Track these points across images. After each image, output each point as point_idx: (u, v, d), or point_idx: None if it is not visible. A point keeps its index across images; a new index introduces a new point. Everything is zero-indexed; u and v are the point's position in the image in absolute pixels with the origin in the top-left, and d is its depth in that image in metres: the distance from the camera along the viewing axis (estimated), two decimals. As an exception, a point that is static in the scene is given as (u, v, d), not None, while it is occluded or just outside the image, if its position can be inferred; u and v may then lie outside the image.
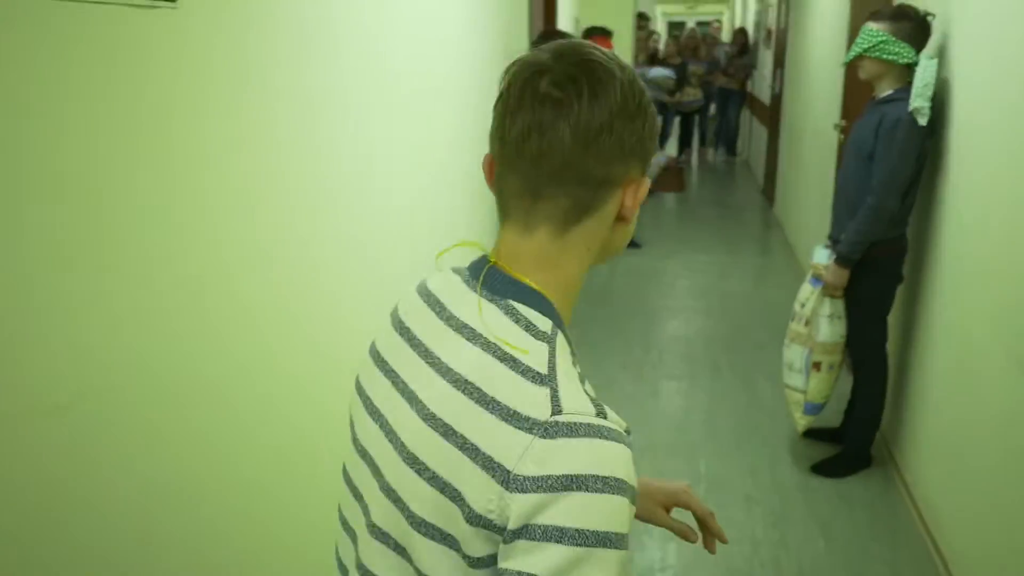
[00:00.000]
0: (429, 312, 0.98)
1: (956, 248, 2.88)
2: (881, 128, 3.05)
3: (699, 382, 4.36)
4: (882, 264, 3.19)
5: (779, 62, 8.45)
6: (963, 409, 2.74)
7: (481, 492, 0.82)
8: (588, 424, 0.83)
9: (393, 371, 0.97)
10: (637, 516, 1.20)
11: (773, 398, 4.10)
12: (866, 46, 3.09)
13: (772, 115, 8.71)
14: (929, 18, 3.07)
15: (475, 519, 0.83)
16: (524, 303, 0.91)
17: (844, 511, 3.19)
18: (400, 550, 0.91)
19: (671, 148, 11.57)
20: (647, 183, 0.95)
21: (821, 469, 3.46)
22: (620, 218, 0.94)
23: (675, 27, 22.31)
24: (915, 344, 3.27)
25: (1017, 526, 2.30)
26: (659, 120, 8.15)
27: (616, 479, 0.81)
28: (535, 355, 0.87)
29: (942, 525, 2.88)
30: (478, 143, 3.69)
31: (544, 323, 0.90)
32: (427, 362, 0.93)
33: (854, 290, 3.27)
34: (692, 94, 10.74)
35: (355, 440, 1.01)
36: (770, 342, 4.72)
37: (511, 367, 0.87)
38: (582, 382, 0.89)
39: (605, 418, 0.85)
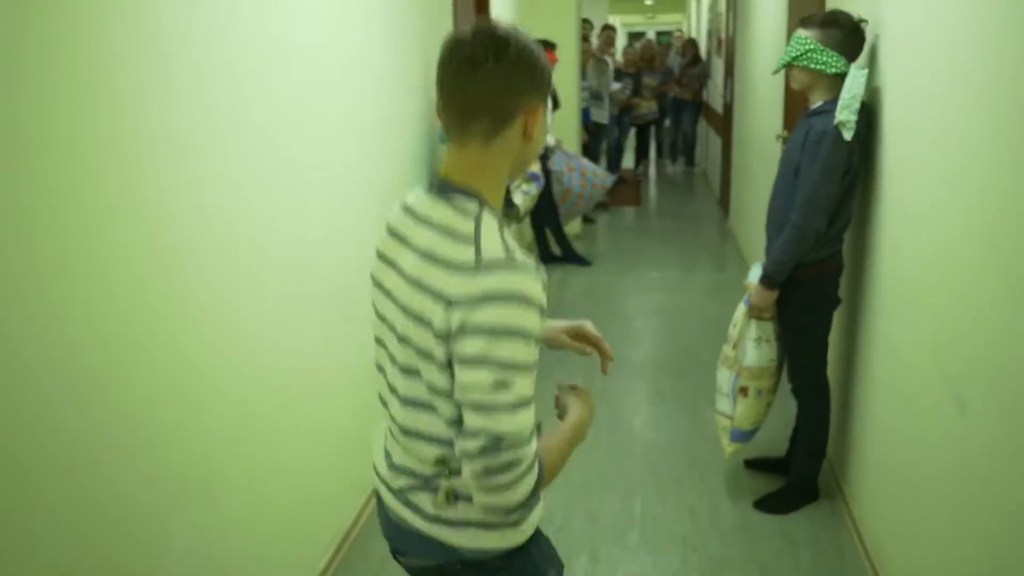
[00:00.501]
0: (405, 217, 1.45)
1: (891, 270, 2.68)
2: (807, 142, 2.85)
3: (641, 411, 4.14)
4: (814, 286, 2.99)
5: (729, 71, 8.30)
6: (905, 441, 2.54)
7: (438, 316, 1.29)
8: (499, 259, 1.28)
9: (389, 258, 1.45)
10: (548, 344, 1.68)
11: (716, 426, 3.88)
12: (794, 55, 2.89)
13: (725, 125, 8.56)
14: (862, 24, 2.88)
15: (438, 334, 1.29)
16: (459, 196, 1.37)
17: (788, 553, 2.97)
18: (411, 372, 1.38)
19: (628, 161, 11.41)
20: (542, 108, 1.39)
21: (764, 505, 3.25)
22: (526, 135, 1.39)
23: (635, 37, 22.26)
24: (856, 370, 3.06)
25: (962, 566, 2.10)
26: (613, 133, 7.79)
27: (517, 294, 1.25)
28: (465, 227, 1.33)
29: (888, 566, 2.67)
30: (387, 162, 3.46)
31: (472, 206, 1.35)
32: (405, 246, 1.41)
33: (787, 313, 3.07)
34: (647, 107, 10.57)
35: (376, 311, 1.49)
36: (715, 363, 4.50)
37: (450, 237, 1.33)
38: (503, 237, 1.33)
39: (513, 257, 1.28)
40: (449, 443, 1.38)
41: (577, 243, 7.32)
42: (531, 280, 1.28)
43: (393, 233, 1.47)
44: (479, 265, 1.27)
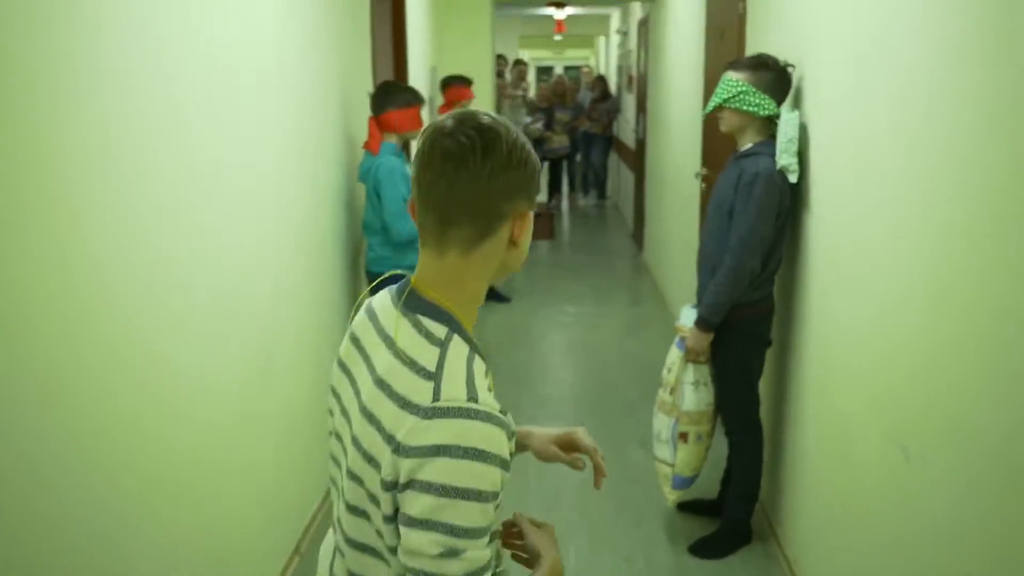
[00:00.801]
0: (369, 325, 1.28)
1: (821, 313, 2.68)
2: (740, 184, 2.85)
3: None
4: (746, 327, 2.98)
5: (641, 107, 8.42)
6: (842, 484, 2.52)
7: (386, 460, 1.13)
8: (459, 408, 1.12)
9: (348, 370, 1.29)
10: (537, 456, 1.51)
11: (646, 468, 3.83)
12: (725, 96, 2.90)
13: (637, 160, 8.66)
14: (789, 68, 2.90)
15: (384, 484, 1.13)
16: (428, 316, 1.20)
17: (725, 600, 2.92)
18: (359, 513, 1.21)
19: (540, 195, 11.43)
20: (531, 216, 1.24)
21: (699, 550, 3.20)
22: (512, 243, 1.23)
23: (543, 72, 22.51)
24: (788, 412, 3.06)
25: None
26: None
27: (476, 449, 1.10)
28: (428, 357, 1.17)
29: (828, 613, 2.64)
30: (301, 201, 3.32)
31: (440, 331, 1.19)
32: (365, 365, 1.24)
33: (719, 355, 3.05)
34: (559, 141, 10.65)
35: (332, 426, 1.33)
36: (641, 402, 4.48)
37: (410, 368, 1.17)
38: (470, 372, 1.17)
39: (476, 403, 1.13)
40: None
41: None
42: (493, 432, 1.12)
43: (355, 341, 1.30)
44: (435, 410, 1.11)
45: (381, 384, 1.17)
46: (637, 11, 9.07)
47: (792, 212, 2.94)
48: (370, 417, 1.17)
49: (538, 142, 10.30)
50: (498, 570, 1.47)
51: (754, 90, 2.84)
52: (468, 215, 1.17)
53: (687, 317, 3.07)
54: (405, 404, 1.13)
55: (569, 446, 1.52)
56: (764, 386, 3.21)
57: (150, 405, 2.00)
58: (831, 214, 2.60)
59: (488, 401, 1.15)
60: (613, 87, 12.16)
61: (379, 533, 1.18)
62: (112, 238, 1.83)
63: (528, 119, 9.70)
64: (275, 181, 2.89)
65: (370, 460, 1.16)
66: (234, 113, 2.51)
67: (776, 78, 2.85)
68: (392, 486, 1.12)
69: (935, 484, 1.90)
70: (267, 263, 2.81)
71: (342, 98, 3.80)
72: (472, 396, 1.13)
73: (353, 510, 1.22)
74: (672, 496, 3.25)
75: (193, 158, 2.23)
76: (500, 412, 1.16)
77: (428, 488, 1.09)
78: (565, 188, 12.25)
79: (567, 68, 22.13)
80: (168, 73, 2.08)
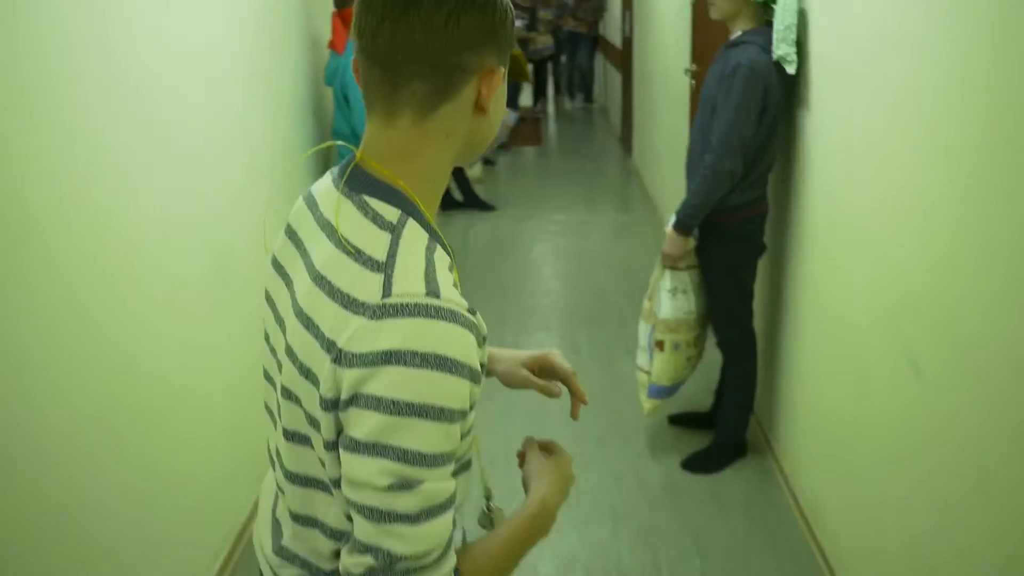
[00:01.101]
0: (308, 214, 1.05)
1: (825, 214, 2.48)
2: (723, 76, 2.61)
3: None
4: (735, 232, 2.78)
5: (628, 3, 8.03)
6: (841, 396, 2.37)
7: (325, 372, 0.91)
8: (415, 304, 0.89)
9: (283, 270, 1.06)
10: (505, 382, 1.34)
11: (635, 381, 3.70)
12: (714, -22, 2.64)
13: (624, 59, 8.31)
14: (785, -55, 2.63)
15: (324, 402, 0.91)
16: (376, 196, 0.97)
17: (719, 518, 2.80)
18: (299, 439, 1.01)
19: (525, 98, 11.08)
20: (502, 74, 1.00)
21: (692, 465, 3.08)
22: (478, 108, 0.99)
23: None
24: (784, 319, 2.89)
25: (903, 524, 1.96)
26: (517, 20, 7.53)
27: (437, 355, 0.88)
28: (376, 244, 0.94)
29: (824, 523, 2.54)
30: (259, 104, 3.07)
31: (391, 213, 0.96)
32: (303, 261, 1.02)
33: (709, 261, 2.86)
34: (543, 41, 10.24)
35: (265, 337, 1.11)
36: (630, 310, 4.30)
37: (354, 259, 0.94)
38: (429, 263, 0.94)
39: (437, 298, 0.90)
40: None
41: (479, 187, 7.02)
42: (458, 333, 0.90)
43: (291, 235, 1.07)
44: (385, 307, 0.89)
45: (320, 280, 0.96)
46: (622, -101, 8.57)
47: (788, 107, 2.72)
48: (307, 321, 0.95)
49: (522, 43, 9.89)
50: (489, 504, 1.30)
51: (748, -29, 2.58)
52: (422, 70, 0.94)
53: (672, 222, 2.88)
54: (348, 302, 0.91)
55: (543, 370, 1.34)
56: (759, 293, 3.04)
57: (99, 320, 1.82)
58: (835, 108, 2.38)
59: (452, 297, 0.93)
60: (599, -17, 11.66)
61: (322, 462, 0.97)
62: (56, 135, 1.62)
63: None
64: (223, 88, 2.64)
65: (307, 374, 0.95)
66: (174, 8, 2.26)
67: (772, -44, 2.59)
68: (333, 404, 0.91)
69: (946, 402, 1.75)
70: (220, 181, 2.58)
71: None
72: (432, 291, 0.91)
73: (292, 437, 1.02)
74: (647, 405, 3.10)
75: (128, 56, 1.99)
76: (468, 311, 0.94)
77: (376, 404, 0.88)
78: (551, 91, 11.86)
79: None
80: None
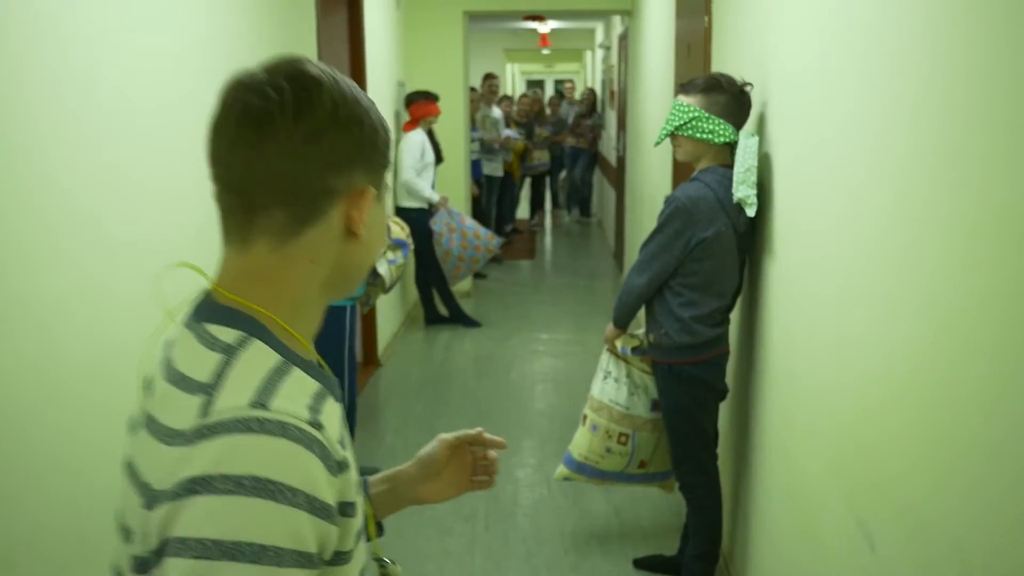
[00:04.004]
0: (159, 356, 0.91)
1: (783, 364, 2.40)
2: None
3: (523, 500, 3.77)
4: (690, 375, 2.71)
5: (622, 124, 8.17)
6: (802, 558, 2.24)
7: (136, 524, 0.78)
8: (233, 420, 0.76)
9: (136, 429, 0.89)
10: (425, 497, 1.19)
11: (606, 518, 3.56)
12: (677, 124, 2.63)
13: (618, 178, 8.41)
14: (747, 88, 2.63)
15: (136, 564, 0.78)
16: (216, 322, 0.86)
17: (679, 678, 2.63)
18: None
19: (523, 212, 11.18)
20: (375, 195, 0.92)
21: (655, 614, 2.92)
22: (349, 232, 0.90)
23: (533, 85, 22.31)
24: (750, 468, 2.77)
25: None
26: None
27: (255, 478, 0.73)
28: (204, 366, 0.82)
29: None
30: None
31: (227, 334, 0.84)
32: (142, 408, 0.89)
33: (666, 403, 2.81)
34: (538, 157, 10.41)
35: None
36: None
37: (179, 386, 0.82)
38: (275, 379, 0.80)
39: (265, 409, 0.77)
40: None
41: (467, 302, 6.99)
42: (290, 451, 0.76)
43: (146, 386, 0.94)
44: (200, 429, 0.76)
45: (148, 420, 0.84)
46: (618, 25, 8.83)
47: (754, 243, 2.68)
48: (130, 471, 0.83)
49: (521, 155, 10.03)
50: None
51: (707, 115, 2.57)
52: (280, 195, 0.85)
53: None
54: (167, 434, 0.79)
55: (460, 451, 1.22)
56: (724, 437, 2.93)
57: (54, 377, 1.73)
58: (797, 255, 2.33)
59: (287, 408, 0.78)
60: (599, 102, 11.94)
61: None
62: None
63: (508, 132, 9.39)
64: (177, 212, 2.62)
65: (126, 535, 0.82)
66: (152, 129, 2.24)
67: (732, 100, 2.58)
68: (143, 565, 0.76)
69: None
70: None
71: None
72: (259, 401, 0.77)
73: None
74: (558, 469, 3.24)
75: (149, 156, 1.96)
76: (311, 424, 0.79)
77: (180, 548, 0.72)
78: (548, 205, 11.99)
79: (557, 82, 21.95)
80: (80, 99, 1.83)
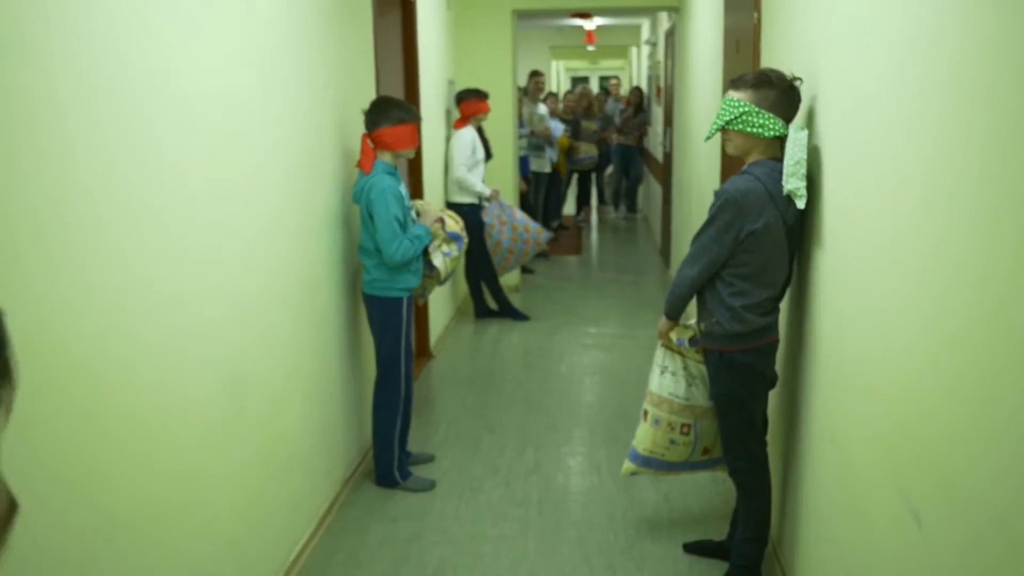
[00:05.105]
0: None
1: (832, 352, 2.46)
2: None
3: (574, 487, 3.87)
4: (742, 364, 2.77)
5: (669, 120, 8.20)
6: (848, 538, 2.30)
7: None
8: None
9: None
10: None
11: (655, 506, 3.64)
12: (728, 118, 2.70)
13: (665, 174, 8.45)
14: (796, 83, 2.69)
15: None
16: None
17: (729, 657, 2.71)
18: None
19: (569, 208, 11.26)
20: None
21: (704, 599, 2.99)
22: None
23: (578, 82, 22.35)
24: (798, 453, 2.83)
25: None
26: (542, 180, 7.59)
27: None
28: None
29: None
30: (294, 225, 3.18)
31: None
32: None
33: (716, 389, 2.88)
34: (585, 150, 10.46)
35: None
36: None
37: None
38: None
39: None
40: None
41: (515, 296, 7.10)
42: None
43: None
44: None
45: None
46: (664, 21, 8.87)
47: (803, 234, 2.74)
48: None
49: (569, 151, 10.12)
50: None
51: (757, 110, 2.64)
52: None
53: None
54: None
55: None
56: (774, 425, 3.00)
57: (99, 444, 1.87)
58: (846, 246, 2.39)
59: None
60: (645, 99, 11.96)
61: None
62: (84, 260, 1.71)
63: (552, 122, 9.46)
64: (258, 204, 2.76)
65: None
66: (213, 134, 2.38)
67: (781, 95, 2.65)
68: None
69: (944, 556, 1.69)
70: (253, 296, 2.67)
71: (339, 115, 3.66)
72: None
73: None
74: (624, 466, 3.28)
75: (169, 177, 2.12)
76: None
77: None
78: (594, 201, 12.04)
79: (602, 78, 21.94)
80: (144, 100, 2.00)
